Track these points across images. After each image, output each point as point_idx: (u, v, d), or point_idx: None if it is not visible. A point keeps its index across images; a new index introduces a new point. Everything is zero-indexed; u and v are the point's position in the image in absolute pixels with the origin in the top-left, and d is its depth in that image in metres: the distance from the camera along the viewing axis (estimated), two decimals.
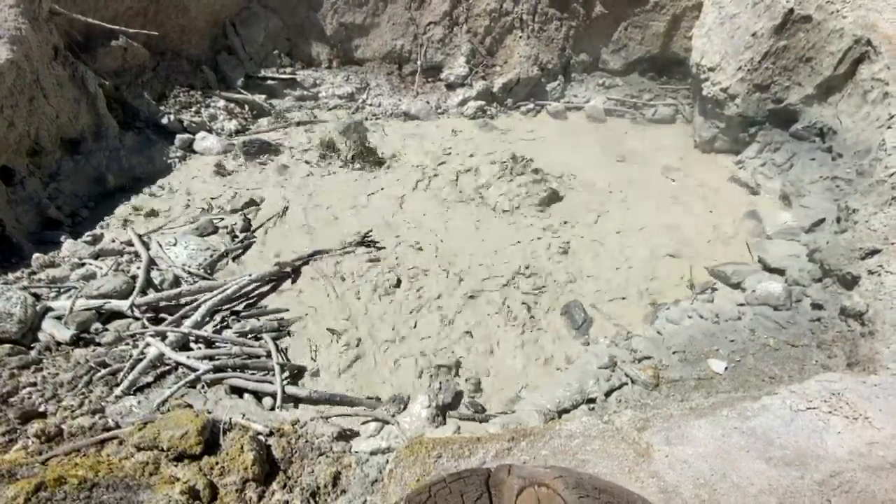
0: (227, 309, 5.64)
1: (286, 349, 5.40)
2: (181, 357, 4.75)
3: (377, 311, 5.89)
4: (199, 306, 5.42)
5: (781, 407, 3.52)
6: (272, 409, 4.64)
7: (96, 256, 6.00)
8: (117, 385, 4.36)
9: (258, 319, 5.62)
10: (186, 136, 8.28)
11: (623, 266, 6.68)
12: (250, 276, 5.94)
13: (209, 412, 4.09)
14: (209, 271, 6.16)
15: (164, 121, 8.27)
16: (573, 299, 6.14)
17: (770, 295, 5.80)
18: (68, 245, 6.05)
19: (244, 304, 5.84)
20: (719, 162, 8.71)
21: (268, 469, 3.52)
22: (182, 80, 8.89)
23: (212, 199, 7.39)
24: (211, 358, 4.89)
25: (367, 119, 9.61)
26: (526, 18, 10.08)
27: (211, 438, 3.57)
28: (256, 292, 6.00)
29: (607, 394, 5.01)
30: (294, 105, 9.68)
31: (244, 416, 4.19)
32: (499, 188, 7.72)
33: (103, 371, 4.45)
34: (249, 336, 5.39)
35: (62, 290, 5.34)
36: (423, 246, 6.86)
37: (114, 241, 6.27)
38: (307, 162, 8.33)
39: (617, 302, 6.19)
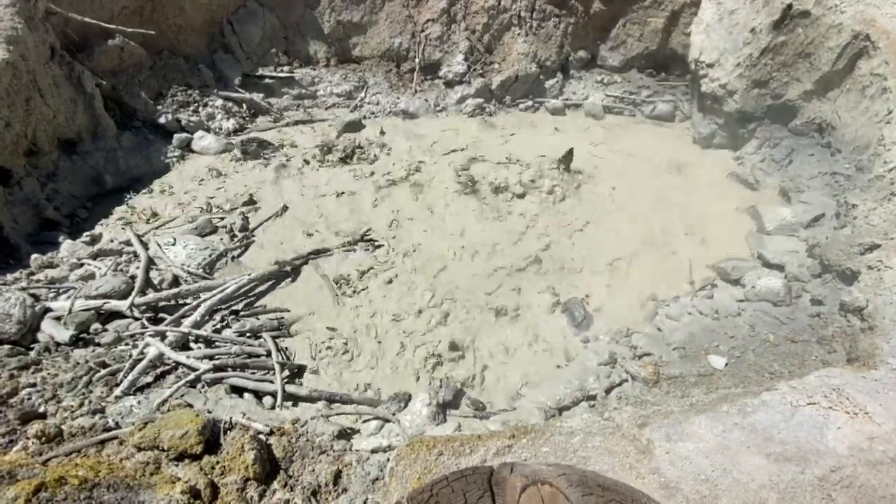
0: (226, 308, 5.63)
1: (286, 348, 5.39)
2: (181, 357, 4.75)
3: (377, 309, 5.89)
4: (198, 306, 5.42)
5: (781, 403, 3.53)
6: (272, 408, 4.64)
7: (95, 257, 5.98)
8: (117, 385, 4.36)
9: (258, 318, 5.61)
10: (184, 135, 8.26)
11: (622, 263, 6.68)
12: (249, 275, 5.94)
13: (209, 412, 4.09)
14: (208, 271, 6.15)
15: (162, 120, 8.25)
16: (573, 296, 6.14)
17: (770, 291, 5.80)
18: (67, 246, 6.03)
19: (244, 303, 5.83)
20: (718, 158, 8.70)
21: (269, 468, 3.52)
22: (179, 80, 8.85)
23: (210, 198, 7.37)
24: (211, 357, 4.88)
25: (365, 117, 9.58)
26: (524, 15, 10.05)
27: (211, 438, 3.56)
28: (256, 291, 5.99)
29: (608, 391, 5.02)
30: (292, 104, 9.65)
31: (244, 415, 4.19)
32: (498, 185, 7.71)
33: (103, 371, 4.44)
34: (249, 335, 5.39)
35: (61, 290, 5.33)
36: (422, 243, 6.85)
37: (112, 241, 6.26)
38: (306, 161, 8.31)
39: (617, 299, 6.19)
